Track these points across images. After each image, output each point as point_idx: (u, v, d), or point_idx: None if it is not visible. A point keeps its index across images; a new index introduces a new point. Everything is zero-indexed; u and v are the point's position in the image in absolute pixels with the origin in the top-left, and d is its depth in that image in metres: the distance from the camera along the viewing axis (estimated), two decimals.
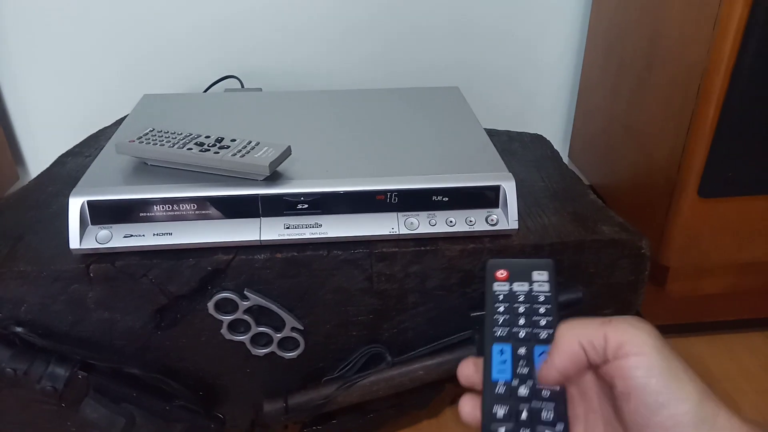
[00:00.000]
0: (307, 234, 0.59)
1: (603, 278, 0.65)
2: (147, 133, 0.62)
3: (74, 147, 0.82)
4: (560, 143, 1.26)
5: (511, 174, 0.62)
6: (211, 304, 0.60)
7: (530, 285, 0.40)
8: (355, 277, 0.61)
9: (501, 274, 0.41)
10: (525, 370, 0.36)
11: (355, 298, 0.62)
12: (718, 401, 0.31)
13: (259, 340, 0.63)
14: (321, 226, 0.60)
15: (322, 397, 0.64)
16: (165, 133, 0.63)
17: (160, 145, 0.60)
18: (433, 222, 0.61)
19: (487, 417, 0.34)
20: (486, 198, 0.61)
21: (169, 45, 1.09)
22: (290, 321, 0.62)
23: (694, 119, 0.77)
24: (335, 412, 0.67)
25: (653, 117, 0.88)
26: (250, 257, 0.59)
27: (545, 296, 0.39)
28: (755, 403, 0.82)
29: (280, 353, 0.64)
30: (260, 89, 1.03)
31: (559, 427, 0.34)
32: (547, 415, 0.34)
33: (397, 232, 0.60)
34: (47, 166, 0.77)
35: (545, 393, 0.35)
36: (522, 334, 0.37)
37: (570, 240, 0.62)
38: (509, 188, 0.61)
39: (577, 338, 0.33)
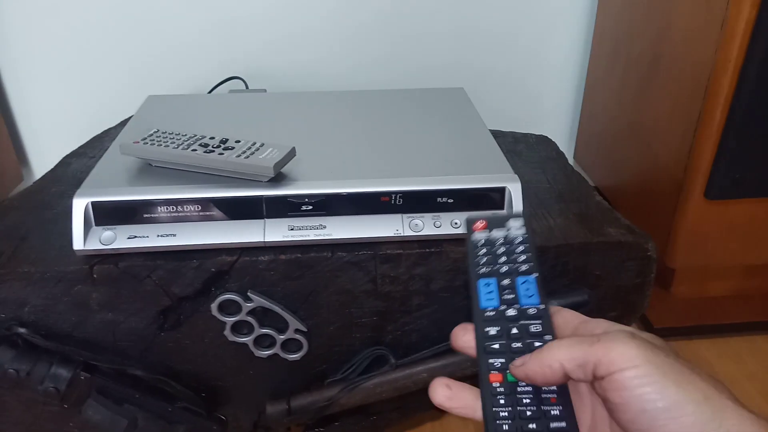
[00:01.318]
0: (312, 235, 0.59)
1: (609, 280, 0.65)
2: (151, 134, 0.62)
3: (78, 148, 0.82)
4: (566, 144, 1.25)
5: (516, 175, 0.61)
6: (214, 306, 0.60)
7: (507, 230, 0.42)
8: (359, 279, 0.61)
9: (480, 224, 0.43)
10: (511, 296, 0.38)
11: (359, 299, 0.62)
12: (726, 398, 0.30)
13: (263, 341, 0.63)
14: (325, 227, 0.59)
15: (325, 399, 0.64)
16: (169, 134, 0.62)
17: (165, 146, 0.60)
18: (437, 224, 0.60)
19: (480, 337, 0.36)
20: (491, 199, 0.61)
21: (174, 46, 1.09)
22: (294, 323, 0.61)
23: (700, 120, 0.77)
24: (338, 415, 0.67)
25: (659, 118, 0.88)
26: (253, 259, 0.59)
27: (522, 237, 0.42)
28: (761, 406, 0.81)
29: (283, 355, 0.64)
30: (265, 90, 1.03)
31: (548, 338, 0.36)
32: (535, 327, 0.36)
33: (402, 234, 0.60)
34: (51, 166, 0.77)
35: (531, 311, 0.37)
36: (504, 269, 0.40)
37: (576, 242, 0.62)
38: (515, 190, 0.61)
39: (560, 360, 0.33)
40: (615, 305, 0.67)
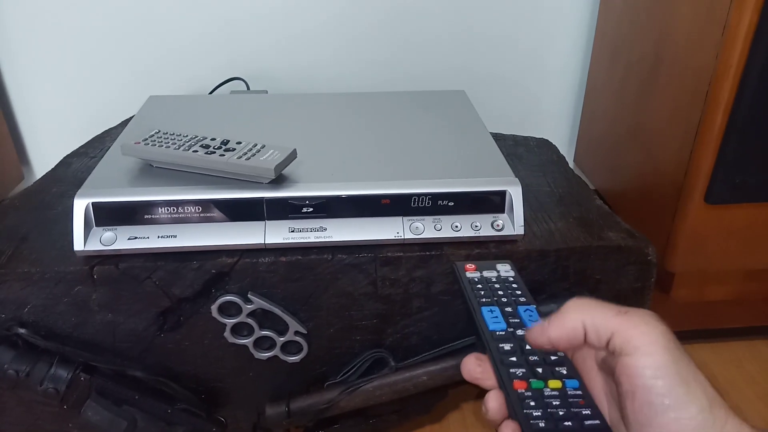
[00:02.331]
0: (312, 238, 0.59)
1: (609, 284, 0.65)
2: (152, 135, 0.62)
3: (79, 148, 0.82)
4: (566, 148, 1.25)
5: (517, 179, 0.61)
6: (214, 307, 0.60)
7: (498, 273, 0.45)
8: (359, 282, 0.61)
9: (470, 266, 0.45)
10: (516, 320, 0.39)
11: (360, 302, 0.62)
12: (728, 409, 0.30)
13: (263, 343, 0.63)
14: (326, 229, 0.59)
15: (325, 401, 0.64)
16: (170, 135, 0.62)
17: (166, 147, 0.60)
18: (438, 227, 0.60)
19: (496, 353, 0.37)
20: (492, 203, 0.61)
21: (175, 47, 1.09)
22: (294, 325, 0.61)
23: (701, 125, 0.77)
24: (338, 417, 0.67)
25: (660, 122, 0.88)
26: (254, 260, 0.59)
27: (513, 278, 0.44)
28: (759, 410, 0.81)
29: (283, 357, 0.64)
30: (266, 92, 1.03)
31: (561, 354, 0.36)
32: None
33: (402, 237, 0.60)
34: (52, 166, 0.77)
35: None
36: (504, 299, 0.42)
37: (576, 246, 0.62)
38: (515, 193, 0.61)
39: (581, 319, 0.33)
40: None
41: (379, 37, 1.11)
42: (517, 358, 0.36)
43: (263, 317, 0.61)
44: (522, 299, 0.42)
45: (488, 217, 0.61)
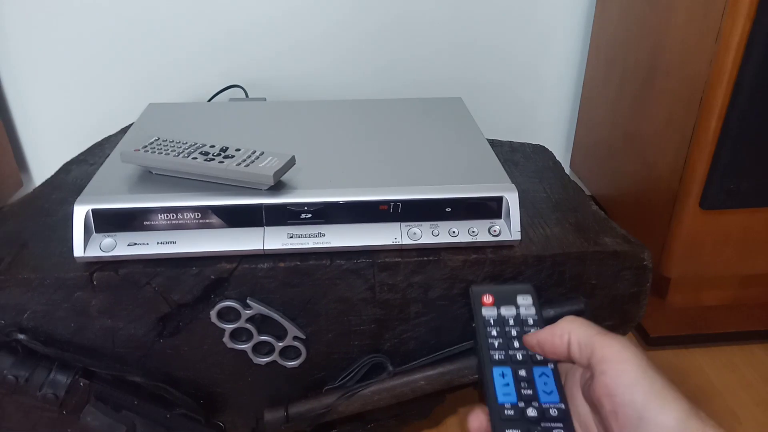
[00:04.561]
0: (310, 243, 0.60)
1: (605, 290, 0.65)
2: (152, 142, 0.63)
3: (79, 155, 0.82)
4: (562, 154, 1.26)
5: (513, 185, 0.62)
6: (213, 313, 0.60)
7: (517, 309, 0.42)
8: (357, 287, 0.61)
9: (487, 299, 0.43)
10: (529, 392, 0.36)
11: (358, 307, 0.62)
12: (705, 419, 0.31)
13: (261, 348, 0.63)
14: (324, 235, 0.60)
15: (323, 406, 0.64)
16: (170, 142, 0.63)
17: (165, 154, 0.61)
18: (435, 232, 0.61)
19: None
20: (489, 209, 0.61)
21: (174, 55, 1.10)
22: (292, 330, 0.62)
23: (696, 131, 0.78)
24: (336, 422, 0.67)
25: (655, 128, 0.88)
26: (253, 266, 0.59)
27: (533, 319, 0.41)
28: (755, 415, 0.81)
29: (281, 362, 0.64)
30: (265, 99, 1.03)
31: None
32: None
33: (400, 242, 0.60)
34: (51, 173, 0.77)
35: (553, 412, 0.35)
36: (519, 356, 0.39)
37: (572, 251, 0.62)
38: (512, 199, 0.61)
39: (569, 330, 0.36)
40: (611, 314, 0.67)
41: (377, 45, 1.12)
42: None
43: (262, 323, 0.61)
44: (539, 356, 0.38)
45: (485, 223, 0.62)
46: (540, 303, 0.43)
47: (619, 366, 0.32)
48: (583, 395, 0.37)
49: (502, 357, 0.38)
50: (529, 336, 0.37)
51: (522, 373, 0.37)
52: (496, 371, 0.38)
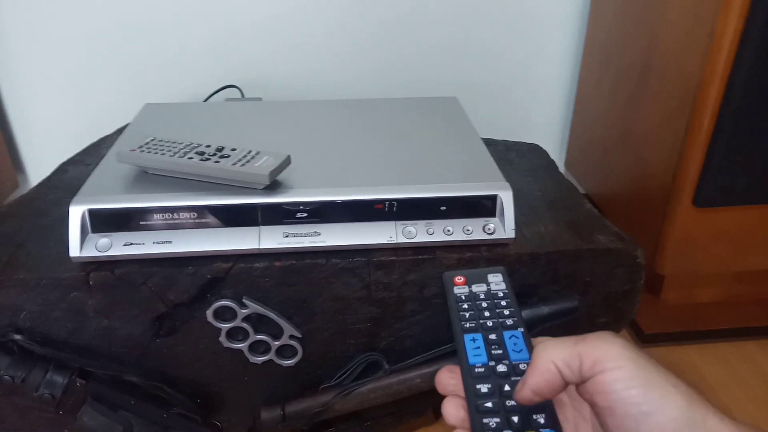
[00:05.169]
0: (306, 242, 0.60)
1: (599, 287, 0.66)
2: (148, 143, 0.63)
3: (75, 155, 0.82)
4: (557, 153, 1.26)
5: (508, 183, 0.62)
6: (209, 312, 0.60)
7: (487, 286, 0.43)
8: (353, 286, 0.61)
9: (459, 279, 0.44)
10: (499, 351, 0.37)
11: (353, 306, 0.63)
12: (707, 404, 0.31)
13: (258, 347, 0.63)
14: (320, 234, 0.60)
15: (320, 404, 0.64)
16: (166, 142, 0.63)
17: (161, 154, 0.61)
18: (430, 231, 0.61)
19: (471, 395, 0.35)
20: (483, 207, 0.62)
21: (170, 55, 1.10)
22: (288, 329, 0.62)
23: (689, 129, 0.78)
24: (332, 420, 0.67)
25: (649, 127, 0.89)
26: (249, 265, 0.59)
27: (503, 293, 0.42)
28: (749, 411, 0.82)
29: (278, 361, 0.64)
30: (260, 99, 1.04)
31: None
32: None
33: (395, 241, 0.61)
34: (47, 174, 0.77)
35: (522, 367, 0.36)
36: (489, 323, 0.39)
37: (566, 249, 0.63)
38: (506, 198, 0.61)
39: (551, 359, 0.33)
40: (605, 311, 0.68)
41: (372, 45, 1.12)
42: (493, 404, 0.34)
43: (258, 322, 0.62)
44: (509, 322, 0.39)
45: (480, 221, 0.62)
46: (510, 280, 0.43)
47: (611, 364, 0.31)
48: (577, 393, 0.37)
49: (473, 325, 0.39)
50: (519, 391, 0.34)
51: (492, 337, 0.38)
52: (467, 337, 0.38)
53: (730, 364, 0.90)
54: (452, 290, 0.43)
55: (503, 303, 0.41)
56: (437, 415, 0.79)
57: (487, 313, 0.40)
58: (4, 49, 1.06)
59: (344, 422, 0.69)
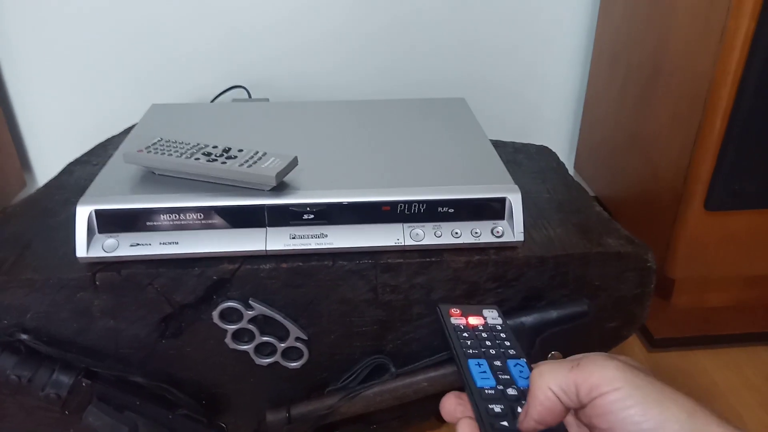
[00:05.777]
0: (313, 244, 0.60)
1: (608, 291, 0.65)
2: (155, 143, 0.63)
3: (82, 155, 0.82)
4: (566, 155, 1.26)
5: (517, 186, 0.62)
6: (215, 314, 0.60)
7: (484, 319, 0.43)
8: (359, 288, 0.61)
9: (455, 311, 0.44)
10: (506, 377, 0.37)
11: (360, 308, 0.62)
12: (709, 413, 0.30)
13: (263, 349, 0.63)
14: (327, 236, 0.60)
15: (326, 407, 0.64)
16: (173, 142, 0.63)
17: (168, 154, 0.61)
18: (438, 233, 0.61)
19: (485, 415, 0.35)
20: (492, 210, 0.61)
21: (177, 55, 1.10)
22: (294, 331, 0.62)
23: (700, 132, 0.77)
24: (338, 423, 0.67)
25: (659, 129, 0.88)
26: (255, 267, 0.59)
27: (501, 326, 0.42)
28: (760, 417, 0.81)
29: (283, 363, 0.64)
30: (267, 100, 1.04)
31: None
32: None
33: (403, 243, 0.60)
34: (55, 173, 0.78)
35: None
36: (492, 351, 0.39)
37: (575, 252, 0.62)
38: (515, 200, 0.61)
39: (548, 386, 0.33)
40: (614, 316, 0.67)
41: (380, 46, 1.12)
42: (508, 422, 0.34)
43: (264, 323, 0.61)
44: (511, 351, 0.39)
45: (488, 224, 0.61)
46: (506, 321, 0.43)
47: (607, 387, 0.31)
48: (576, 417, 0.36)
49: (476, 352, 0.39)
50: (522, 422, 0.34)
51: (497, 363, 0.38)
52: (472, 362, 0.38)
53: (742, 369, 0.89)
54: (449, 320, 0.43)
55: (502, 335, 0.41)
56: (439, 417, 0.78)
57: (488, 343, 0.40)
58: (12, 49, 1.06)
59: (350, 425, 0.68)
